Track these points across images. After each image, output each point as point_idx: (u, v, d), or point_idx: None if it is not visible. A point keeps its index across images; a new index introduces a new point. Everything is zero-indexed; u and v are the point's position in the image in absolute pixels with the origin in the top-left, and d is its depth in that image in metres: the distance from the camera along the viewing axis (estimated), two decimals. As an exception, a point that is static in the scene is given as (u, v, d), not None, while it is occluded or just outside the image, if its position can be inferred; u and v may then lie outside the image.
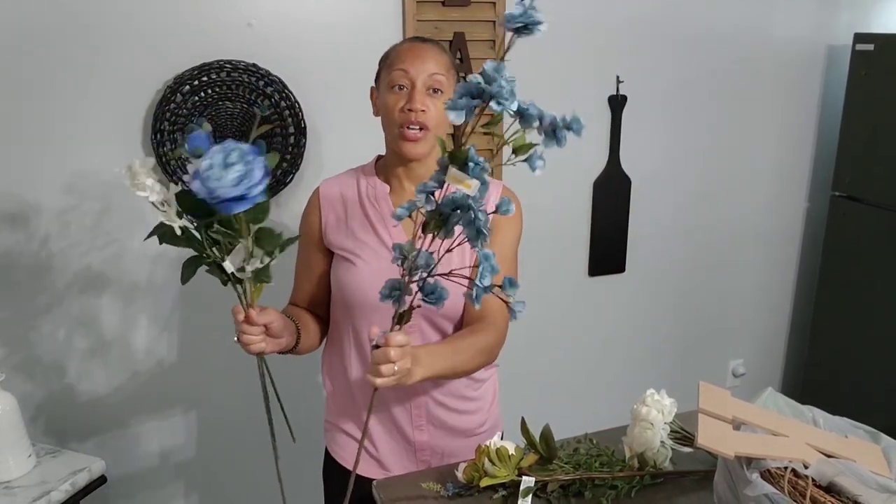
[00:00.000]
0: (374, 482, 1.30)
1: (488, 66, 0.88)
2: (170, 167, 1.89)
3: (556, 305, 2.54)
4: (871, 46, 2.52)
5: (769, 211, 2.81)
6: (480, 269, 0.93)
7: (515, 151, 0.97)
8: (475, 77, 0.88)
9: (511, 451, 1.23)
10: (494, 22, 2.14)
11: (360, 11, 2.01)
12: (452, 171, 0.90)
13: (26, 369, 1.91)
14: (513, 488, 1.20)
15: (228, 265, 1.07)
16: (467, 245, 1.35)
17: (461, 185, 0.89)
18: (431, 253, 0.98)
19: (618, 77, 2.39)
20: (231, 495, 2.25)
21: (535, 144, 0.96)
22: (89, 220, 1.88)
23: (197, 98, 1.87)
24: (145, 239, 1.11)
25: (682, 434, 1.33)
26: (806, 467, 0.98)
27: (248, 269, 1.08)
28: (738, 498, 0.99)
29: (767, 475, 0.97)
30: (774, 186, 2.79)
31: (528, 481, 1.18)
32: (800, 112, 2.75)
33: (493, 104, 0.88)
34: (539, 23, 0.88)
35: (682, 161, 2.59)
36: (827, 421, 1.14)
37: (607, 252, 2.55)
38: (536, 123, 0.92)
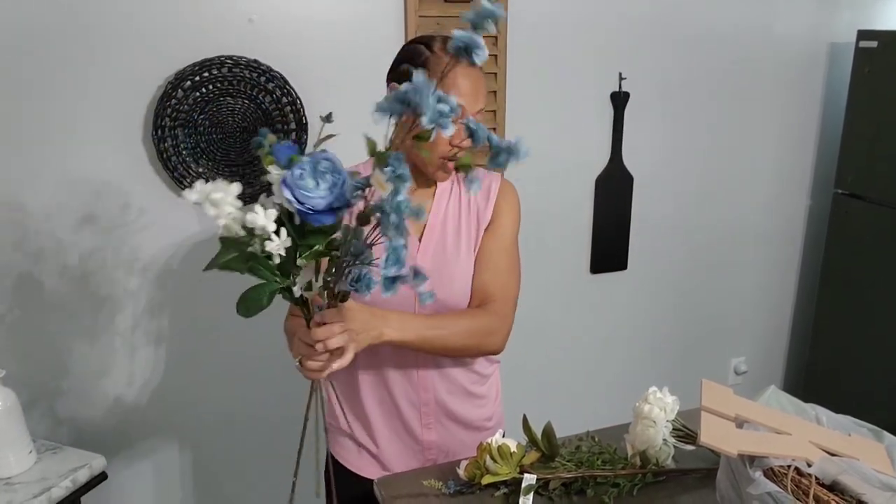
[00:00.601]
0: (376, 480, 1.30)
1: (416, 77, 0.93)
2: (171, 164, 1.88)
3: (558, 303, 2.53)
4: (874, 43, 2.51)
5: (771, 208, 2.80)
6: (385, 258, 0.95)
7: (458, 169, 1.06)
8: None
9: (512, 448, 1.22)
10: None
11: (362, 7, 2.01)
12: (377, 173, 0.94)
13: (27, 366, 1.91)
14: (514, 486, 1.20)
15: (298, 288, 1.03)
16: (471, 240, 1.37)
17: (380, 188, 0.94)
18: (369, 245, 1.00)
19: (620, 74, 2.38)
20: (230, 493, 2.25)
21: (478, 167, 1.05)
22: (90, 217, 1.88)
23: (198, 94, 1.86)
24: (206, 269, 1.03)
25: (685, 432, 1.33)
26: (809, 465, 0.97)
27: (317, 284, 1.05)
28: (740, 496, 0.98)
29: (770, 473, 0.97)
30: (777, 184, 2.79)
31: (529, 479, 1.18)
32: (802, 109, 2.74)
33: (422, 120, 0.92)
34: (479, 48, 0.96)
35: (685, 158, 2.58)
36: (830, 419, 1.13)
37: (609, 249, 2.55)
38: (484, 144, 1.02)
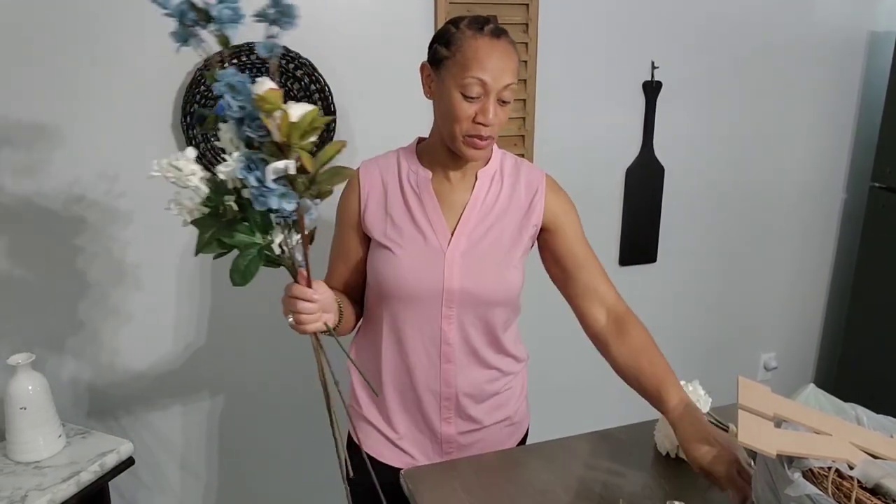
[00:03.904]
0: (402, 471, 1.29)
1: None
2: (199, 150, 1.88)
3: (586, 295, 2.50)
4: (916, 32, 2.44)
5: (806, 201, 2.75)
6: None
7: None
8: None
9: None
10: (528, 5, 2.10)
11: (392, -6, 1.99)
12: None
13: (57, 351, 1.93)
14: None
15: (276, 243, 1.06)
16: (509, 234, 1.35)
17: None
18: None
19: (653, 63, 2.34)
20: (257, 478, 2.26)
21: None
22: (120, 202, 1.89)
23: (227, 81, 1.86)
24: (196, 254, 1.06)
25: (720, 426, 1.31)
26: (851, 468, 0.95)
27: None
28: (778, 498, 0.95)
29: (810, 475, 0.94)
30: (811, 176, 2.73)
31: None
32: (839, 100, 2.68)
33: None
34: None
35: (717, 149, 2.54)
36: (871, 420, 1.10)
37: (638, 241, 2.51)
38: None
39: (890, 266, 2.62)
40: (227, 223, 1.05)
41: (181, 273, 2.00)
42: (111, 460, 1.71)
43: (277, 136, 0.98)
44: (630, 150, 2.42)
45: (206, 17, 1.02)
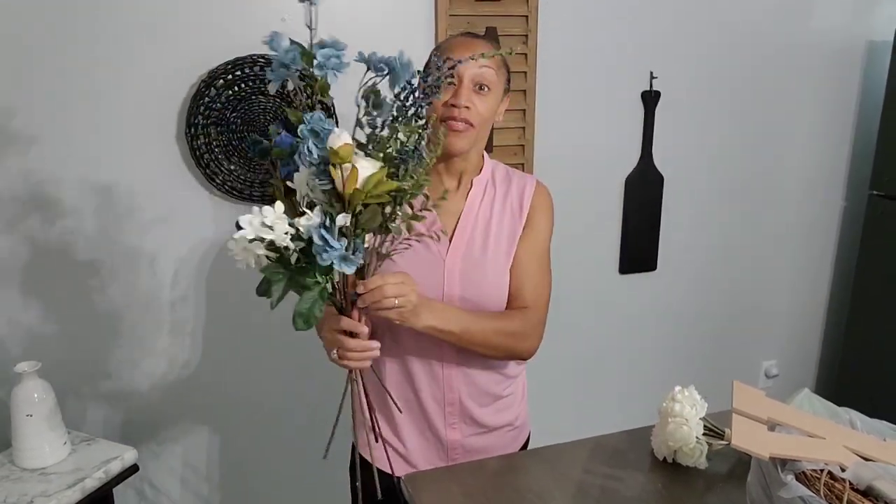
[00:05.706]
0: (402, 476, 1.30)
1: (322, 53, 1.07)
2: (203, 161, 1.90)
3: (587, 303, 2.52)
4: (913, 42, 2.46)
5: (805, 209, 2.76)
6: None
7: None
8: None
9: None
10: (527, 17, 2.12)
11: (392, 6, 2.01)
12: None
13: (63, 358, 1.94)
14: None
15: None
16: (504, 242, 1.37)
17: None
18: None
19: (651, 73, 2.36)
20: (257, 487, 2.27)
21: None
22: (124, 214, 1.91)
23: (230, 92, 1.88)
24: (273, 307, 1.03)
25: (714, 431, 1.32)
26: (843, 470, 0.96)
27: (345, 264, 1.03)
28: (771, 500, 0.97)
29: (803, 477, 0.95)
30: (810, 184, 2.74)
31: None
32: (838, 108, 2.70)
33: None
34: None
35: (716, 158, 2.56)
36: (864, 423, 1.11)
37: (638, 250, 2.53)
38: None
39: (889, 273, 2.63)
40: (297, 270, 1.03)
41: (185, 283, 2.02)
42: (116, 467, 1.72)
43: (339, 188, 1.00)
44: (629, 159, 2.44)
45: (310, 62, 1.02)
